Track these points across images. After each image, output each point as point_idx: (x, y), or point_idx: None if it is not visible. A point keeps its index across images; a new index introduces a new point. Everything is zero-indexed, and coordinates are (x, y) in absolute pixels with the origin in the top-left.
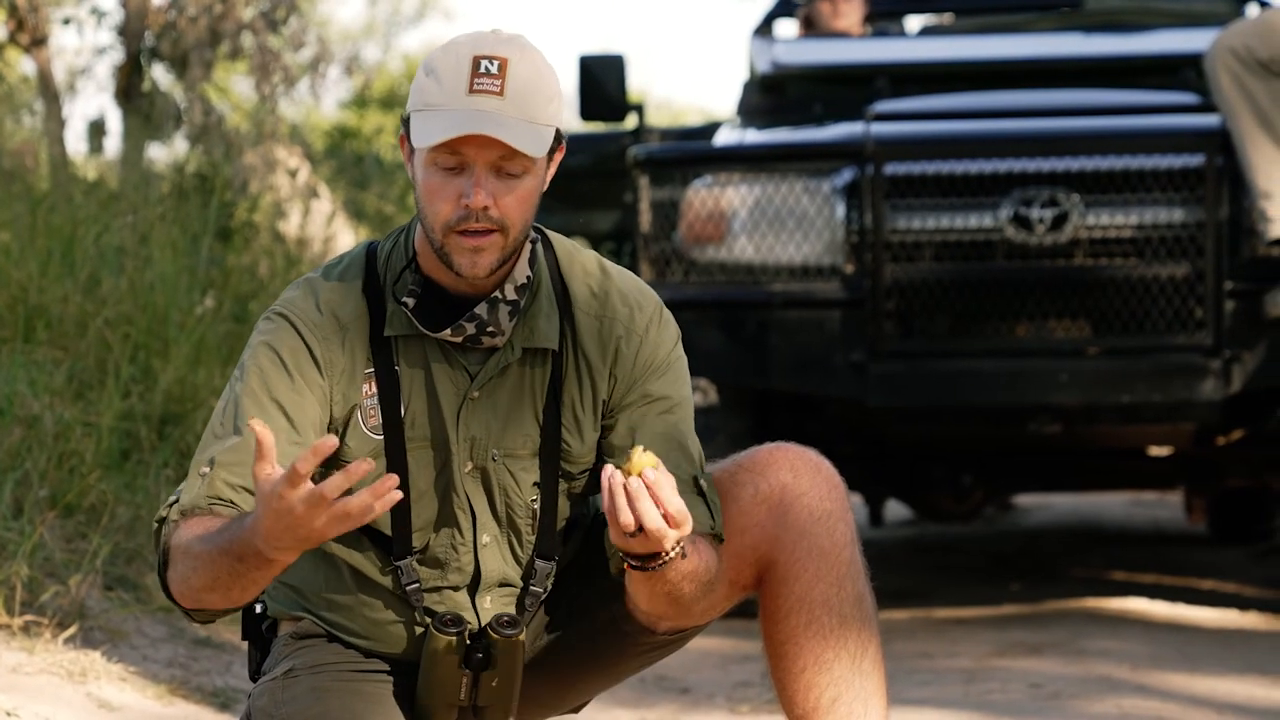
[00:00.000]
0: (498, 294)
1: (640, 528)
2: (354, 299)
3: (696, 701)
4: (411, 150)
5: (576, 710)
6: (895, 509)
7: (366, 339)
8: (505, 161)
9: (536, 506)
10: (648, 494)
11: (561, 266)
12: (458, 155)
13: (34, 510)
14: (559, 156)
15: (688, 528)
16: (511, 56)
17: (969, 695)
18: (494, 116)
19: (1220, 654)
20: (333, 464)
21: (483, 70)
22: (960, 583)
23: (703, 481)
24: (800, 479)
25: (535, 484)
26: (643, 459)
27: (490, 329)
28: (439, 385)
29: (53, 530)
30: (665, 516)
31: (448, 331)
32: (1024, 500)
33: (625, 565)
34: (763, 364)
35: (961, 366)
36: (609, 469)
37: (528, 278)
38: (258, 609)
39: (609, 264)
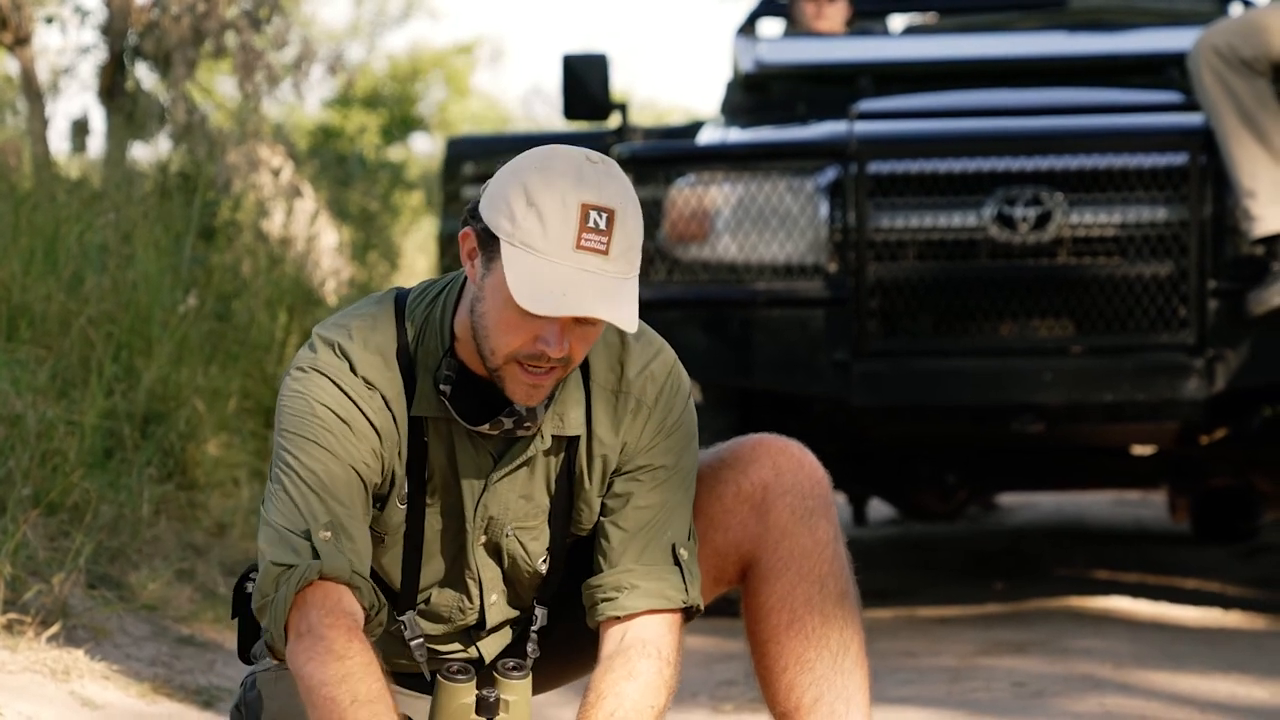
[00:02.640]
0: None
1: None
2: (390, 374)
3: (680, 700)
4: (482, 257)
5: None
6: (879, 508)
7: (405, 413)
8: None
9: (545, 568)
10: None
11: None
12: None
13: (17, 509)
14: None
15: None
16: (617, 207)
17: (952, 694)
18: (599, 283)
19: (1203, 653)
20: (372, 530)
21: (591, 224)
22: (944, 582)
23: (682, 550)
24: (783, 476)
25: (546, 548)
26: None
27: (527, 423)
28: (462, 464)
29: (35, 529)
30: None
31: (485, 426)
32: (1008, 499)
33: None
34: (746, 363)
35: (945, 365)
36: None
37: None
38: (248, 588)
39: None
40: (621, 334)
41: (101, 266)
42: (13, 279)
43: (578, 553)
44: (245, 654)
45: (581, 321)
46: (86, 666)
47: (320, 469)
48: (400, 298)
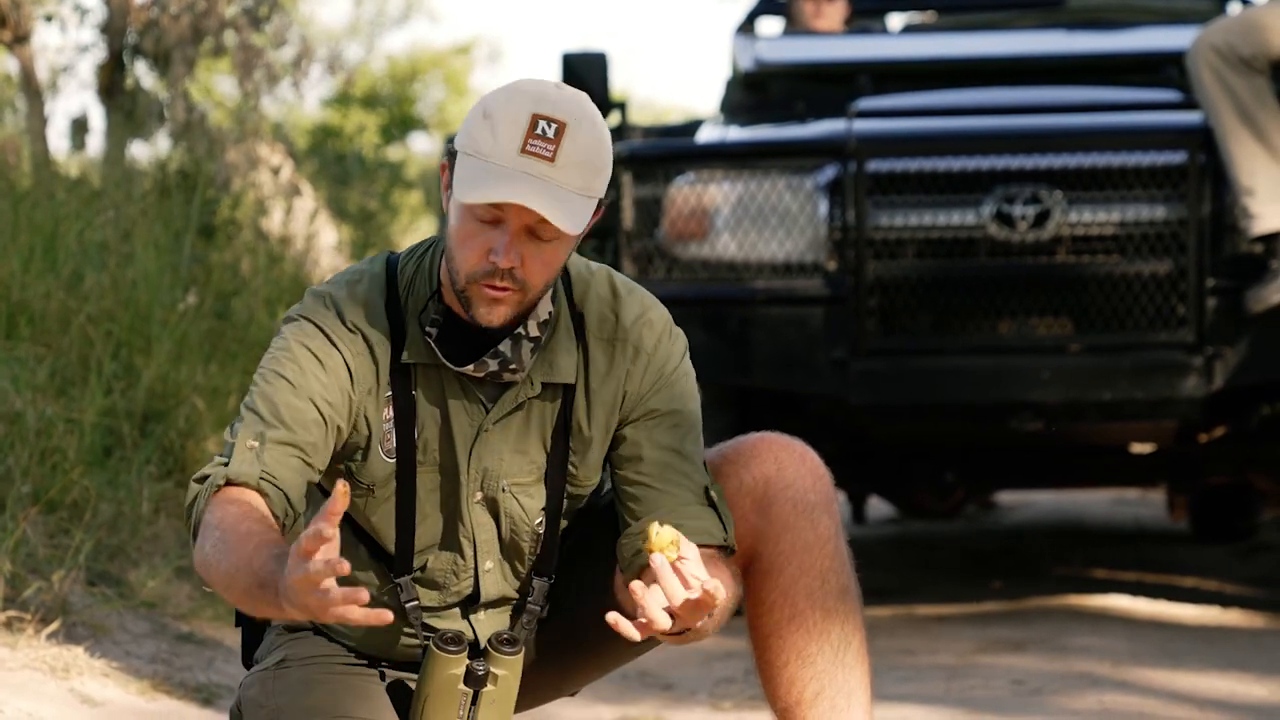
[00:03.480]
0: (521, 330)
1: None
2: (378, 320)
3: (679, 698)
4: (450, 184)
5: (573, 694)
6: (877, 506)
7: (389, 364)
8: (540, 226)
9: (541, 530)
10: (672, 572)
11: (575, 294)
12: (495, 210)
13: (16, 506)
14: (595, 218)
15: (721, 596)
16: (570, 122)
17: (951, 692)
18: (540, 185)
19: (1202, 651)
20: (354, 481)
21: (539, 131)
22: (942, 580)
23: (713, 492)
24: (785, 471)
25: (542, 509)
26: (661, 536)
27: (513, 366)
28: (454, 416)
29: (35, 526)
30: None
31: (470, 367)
32: (1006, 498)
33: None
34: (745, 361)
35: (943, 364)
36: (637, 585)
37: (550, 313)
38: None
39: (619, 282)
40: (615, 288)
41: (101, 265)
42: (12, 277)
43: (571, 554)
44: (249, 660)
45: (533, 236)
46: (86, 664)
47: (276, 396)
48: (392, 258)
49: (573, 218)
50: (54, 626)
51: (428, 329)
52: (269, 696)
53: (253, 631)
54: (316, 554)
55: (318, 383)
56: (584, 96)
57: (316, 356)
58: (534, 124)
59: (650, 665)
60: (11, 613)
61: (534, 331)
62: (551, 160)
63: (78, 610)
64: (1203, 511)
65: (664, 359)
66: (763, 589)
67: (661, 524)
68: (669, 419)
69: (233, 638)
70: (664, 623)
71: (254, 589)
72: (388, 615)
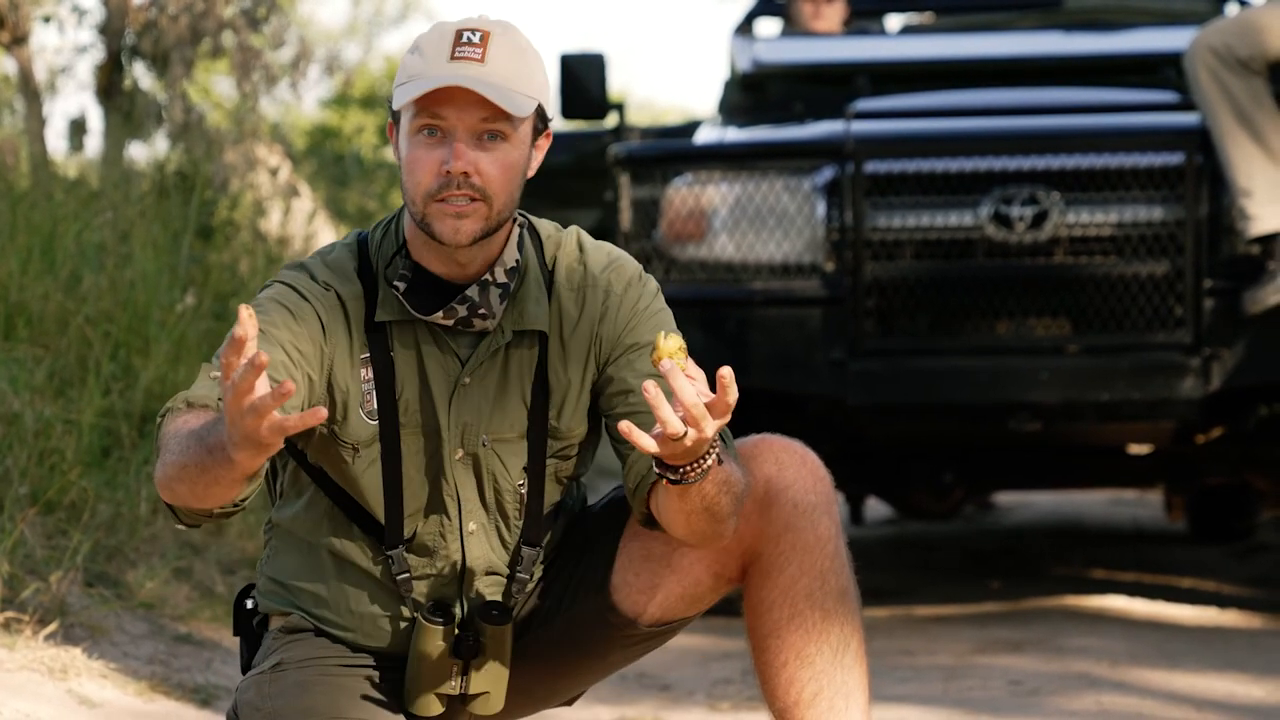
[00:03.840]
0: (488, 277)
1: (684, 431)
2: (350, 282)
3: (677, 699)
4: (397, 128)
5: (569, 703)
6: (876, 507)
7: (363, 323)
8: (486, 124)
9: (524, 491)
10: (682, 375)
11: (546, 250)
12: (439, 120)
13: (14, 507)
14: (544, 144)
15: (725, 411)
16: (494, 31)
17: (949, 692)
18: (475, 78)
19: (1199, 651)
20: (331, 443)
21: (465, 40)
22: (940, 581)
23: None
24: (785, 471)
25: (524, 468)
26: (669, 343)
27: (482, 311)
28: (430, 371)
29: (33, 527)
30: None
31: (439, 314)
32: (1004, 498)
33: (664, 482)
34: (743, 362)
35: (941, 364)
36: (650, 385)
37: (517, 261)
38: (248, 604)
39: (587, 239)
40: (582, 243)
41: (99, 265)
42: (10, 278)
43: (562, 546)
44: (247, 669)
45: (483, 141)
46: (84, 665)
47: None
48: (363, 231)
49: (512, 101)
50: (52, 627)
51: (395, 283)
52: (265, 699)
53: (251, 640)
54: (237, 361)
55: (287, 331)
56: (510, 21)
57: (287, 307)
58: (459, 36)
59: (648, 666)
60: (9, 614)
61: (501, 278)
62: (481, 60)
63: (76, 611)
64: (1200, 512)
65: (635, 298)
66: (762, 589)
67: (667, 335)
68: (649, 349)
69: (231, 639)
70: (678, 427)
71: (204, 458)
72: (321, 412)
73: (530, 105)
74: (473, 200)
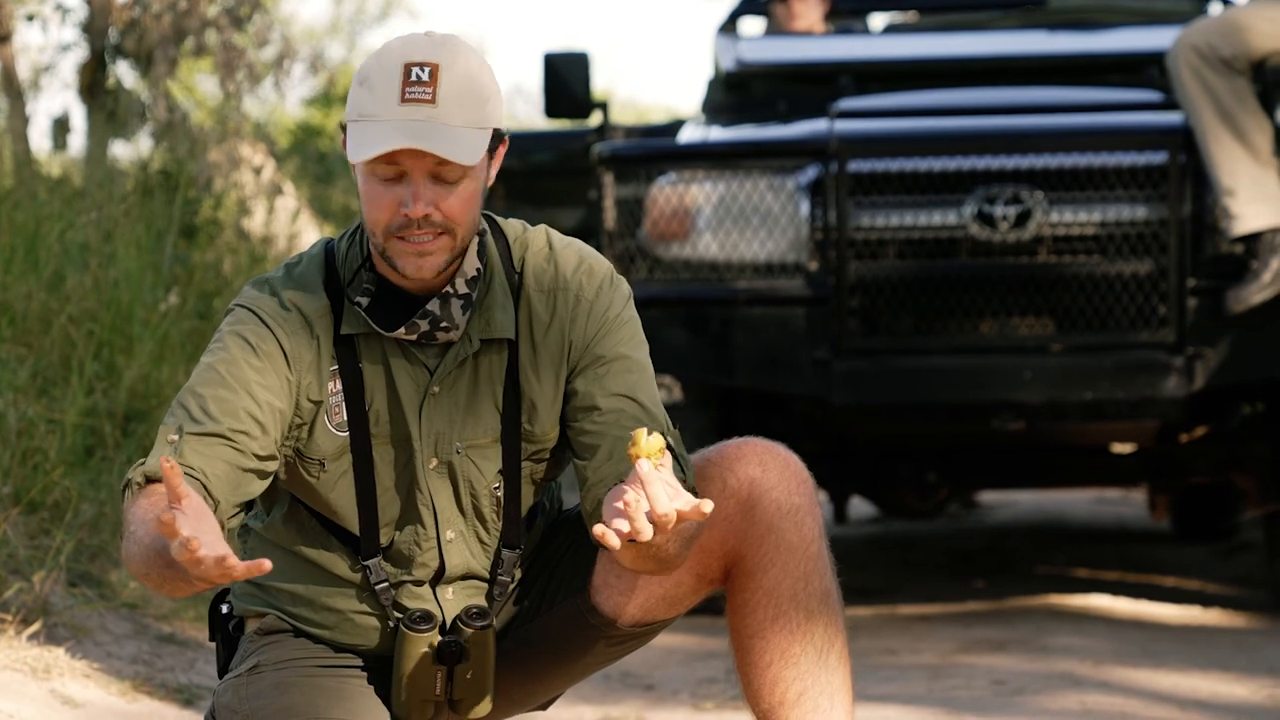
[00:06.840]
0: (449, 289)
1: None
2: (316, 297)
3: (661, 698)
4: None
5: (544, 707)
6: (859, 506)
7: (330, 337)
8: (442, 168)
9: (500, 494)
10: (658, 481)
11: (513, 251)
12: (395, 165)
13: None
14: (501, 153)
15: (708, 509)
16: (442, 61)
17: (933, 691)
18: (426, 127)
19: (1183, 650)
20: (304, 458)
21: (414, 78)
22: (924, 580)
23: (668, 437)
24: (769, 473)
25: (499, 471)
26: (650, 443)
27: (444, 324)
28: (399, 382)
29: (16, 527)
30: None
31: (401, 330)
32: (988, 498)
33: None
34: (727, 361)
35: (925, 364)
36: (630, 496)
37: (478, 270)
38: (224, 609)
39: (557, 238)
40: (551, 242)
41: (82, 265)
42: None
43: (541, 548)
44: (224, 673)
45: (439, 181)
46: (67, 665)
47: (203, 388)
48: (330, 240)
49: (466, 149)
50: (35, 627)
51: (357, 299)
52: (242, 701)
53: (227, 644)
54: (174, 539)
55: (250, 369)
56: (454, 36)
57: (249, 342)
58: (407, 72)
59: (632, 666)
60: None
61: (462, 289)
62: (432, 101)
63: (59, 611)
64: (1184, 511)
65: (605, 305)
66: (746, 590)
67: (650, 432)
68: (618, 365)
69: None
70: (647, 531)
71: (164, 570)
72: (266, 564)
73: (484, 141)
74: (437, 236)
